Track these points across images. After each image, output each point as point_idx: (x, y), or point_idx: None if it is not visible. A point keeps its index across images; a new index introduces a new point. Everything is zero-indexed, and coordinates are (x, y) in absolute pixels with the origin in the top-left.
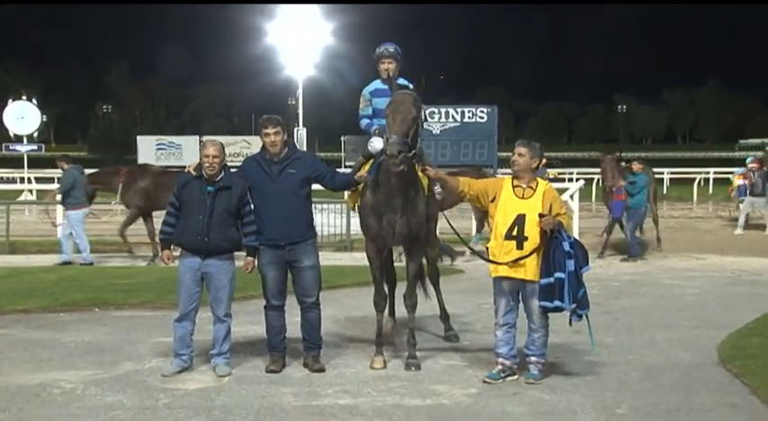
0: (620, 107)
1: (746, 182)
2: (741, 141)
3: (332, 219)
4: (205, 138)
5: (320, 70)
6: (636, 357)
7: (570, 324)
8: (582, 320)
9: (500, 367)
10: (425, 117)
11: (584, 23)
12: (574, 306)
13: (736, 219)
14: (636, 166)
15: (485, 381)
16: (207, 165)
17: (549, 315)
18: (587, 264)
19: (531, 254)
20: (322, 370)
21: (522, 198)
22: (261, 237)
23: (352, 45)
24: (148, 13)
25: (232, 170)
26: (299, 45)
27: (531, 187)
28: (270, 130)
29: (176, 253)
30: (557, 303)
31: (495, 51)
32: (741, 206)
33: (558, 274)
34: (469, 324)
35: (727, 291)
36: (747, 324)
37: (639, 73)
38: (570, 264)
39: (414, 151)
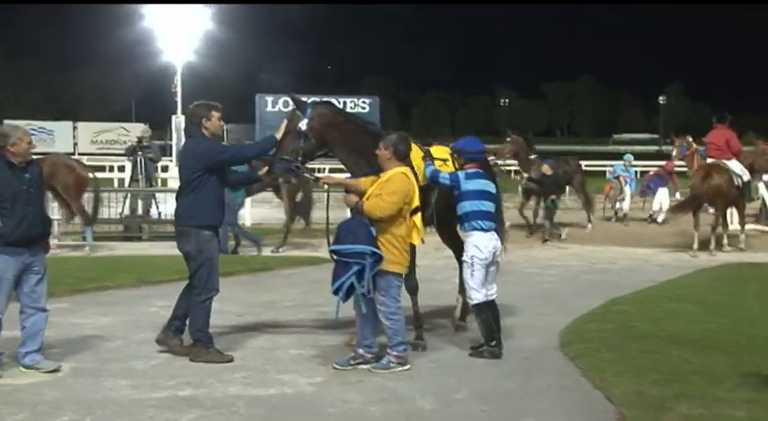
0: (502, 100)
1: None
2: (615, 136)
3: None
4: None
5: (200, 56)
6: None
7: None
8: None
9: (352, 354)
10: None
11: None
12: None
13: (611, 216)
14: None
15: (334, 368)
16: (31, 152)
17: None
18: (340, 243)
19: None
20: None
21: None
22: (206, 220)
23: (233, 31)
24: None
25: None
26: (177, 29)
27: (380, 175)
28: (221, 113)
29: None
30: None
31: (379, 42)
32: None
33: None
34: (327, 313)
35: (582, 278)
36: (592, 309)
37: (521, 66)
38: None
39: (296, 162)
